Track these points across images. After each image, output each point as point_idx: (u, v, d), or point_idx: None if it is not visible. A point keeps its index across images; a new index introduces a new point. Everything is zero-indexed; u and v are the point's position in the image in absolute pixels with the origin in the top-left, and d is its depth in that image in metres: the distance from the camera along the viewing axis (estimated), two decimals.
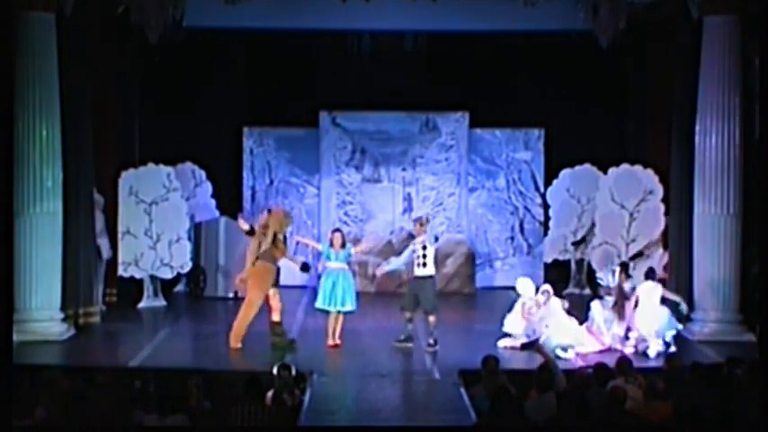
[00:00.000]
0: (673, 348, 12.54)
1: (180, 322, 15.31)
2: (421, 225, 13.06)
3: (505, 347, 12.82)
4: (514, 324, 13.14)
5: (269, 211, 13.45)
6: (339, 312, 12.92)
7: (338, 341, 12.98)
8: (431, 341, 12.85)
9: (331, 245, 13.00)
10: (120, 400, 8.96)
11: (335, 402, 10.63)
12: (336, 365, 12.28)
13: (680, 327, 12.85)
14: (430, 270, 12.97)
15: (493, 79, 17.91)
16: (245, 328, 12.93)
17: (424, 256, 12.90)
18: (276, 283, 13.19)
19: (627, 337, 12.85)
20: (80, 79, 14.18)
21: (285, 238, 13.33)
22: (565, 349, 12.49)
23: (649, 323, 12.69)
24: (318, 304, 12.96)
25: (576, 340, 12.70)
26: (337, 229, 13.51)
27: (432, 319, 12.91)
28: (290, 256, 13.52)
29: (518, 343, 12.86)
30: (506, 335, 13.07)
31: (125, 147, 16.66)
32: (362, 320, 13.91)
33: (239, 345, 12.86)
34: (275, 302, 13.02)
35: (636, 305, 12.89)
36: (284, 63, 17.77)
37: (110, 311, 15.40)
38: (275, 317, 13.02)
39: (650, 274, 13.18)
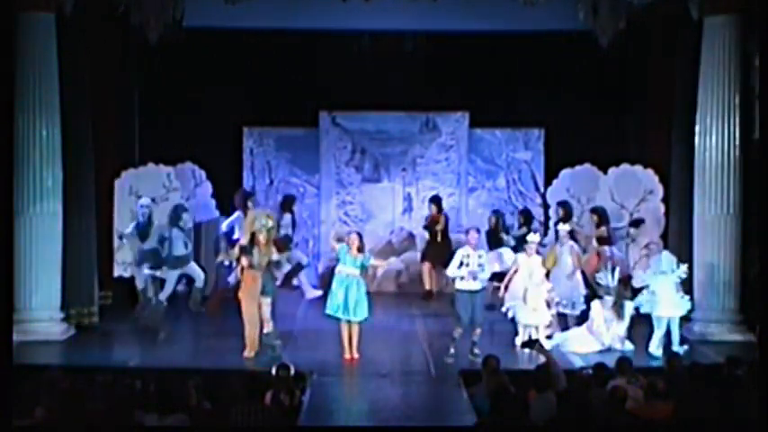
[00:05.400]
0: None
1: (180, 322, 15.30)
2: (476, 232, 12.82)
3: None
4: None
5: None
6: (350, 322, 12.36)
7: (356, 355, 12.34)
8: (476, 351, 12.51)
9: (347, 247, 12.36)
10: (120, 400, 8.96)
11: (335, 402, 10.64)
12: (336, 365, 12.27)
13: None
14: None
15: (493, 79, 17.86)
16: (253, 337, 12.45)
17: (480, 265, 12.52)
18: (264, 291, 12.39)
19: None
20: (80, 79, 14.18)
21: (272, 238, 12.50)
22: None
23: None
24: (329, 310, 12.37)
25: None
26: (357, 232, 12.81)
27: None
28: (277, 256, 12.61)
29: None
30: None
31: (125, 147, 16.64)
32: None
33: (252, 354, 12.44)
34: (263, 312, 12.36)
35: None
36: (284, 63, 17.73)
37: (109, 311, 15.38)
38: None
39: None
